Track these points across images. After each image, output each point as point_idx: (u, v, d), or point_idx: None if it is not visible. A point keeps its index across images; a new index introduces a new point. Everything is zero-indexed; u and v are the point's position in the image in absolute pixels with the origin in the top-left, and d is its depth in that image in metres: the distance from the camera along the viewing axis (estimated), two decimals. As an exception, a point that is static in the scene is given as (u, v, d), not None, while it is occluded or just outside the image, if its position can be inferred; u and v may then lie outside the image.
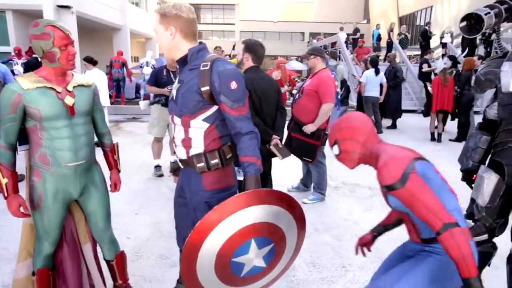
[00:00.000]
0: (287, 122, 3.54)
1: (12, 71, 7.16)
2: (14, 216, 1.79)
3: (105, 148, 2.10)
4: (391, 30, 13.14)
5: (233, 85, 1.54)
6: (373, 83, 7.53)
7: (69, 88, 1.77)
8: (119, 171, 2.15)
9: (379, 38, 14.35)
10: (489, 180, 2.03)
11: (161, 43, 1.65)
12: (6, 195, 1.74)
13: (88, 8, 14.65)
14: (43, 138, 1.72)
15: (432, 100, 7.02)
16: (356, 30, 14.17)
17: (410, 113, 10.57)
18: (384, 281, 1.49)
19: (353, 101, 9.57)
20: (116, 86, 11.18)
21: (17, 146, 1.80)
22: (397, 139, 7.43)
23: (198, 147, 1.64)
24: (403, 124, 8.79)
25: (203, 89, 1.55)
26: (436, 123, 7.17)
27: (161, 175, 4.71)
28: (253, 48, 2.87)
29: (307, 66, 3.95)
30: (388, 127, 8.39)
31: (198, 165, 1.64)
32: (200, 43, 1.69)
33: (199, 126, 1.62)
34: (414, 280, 1.41)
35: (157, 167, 4.78)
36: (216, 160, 1.64)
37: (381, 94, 7.69)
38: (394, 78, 8.04)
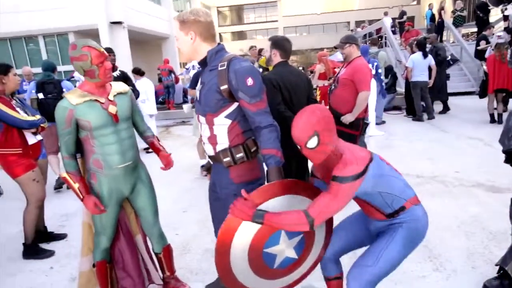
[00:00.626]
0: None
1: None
2: (92, 213, 2.01)
3: (149, 139, 2.28)
4: (442, 8, 12.29)
5: (250, 81, 1.61)
6: (420, 67, 7.14)
7: (111, 97, 1.97)
8: (169, 154, 2.31)
9: (433, 18, 13.46)
10: None
11: (182, 48, 1.76)
12: (81, 197, 1.96)
13: (137, 21, 15.64)
14: (95, 145, 1.94)
15: (489, 79, 6.48)
16: (403, 13, 13.45)
17: (468, 95, 9.86)
18: (364, 262, 1.61)
19: (401, 87, 9.14)
20: (167, 93, 11.80)
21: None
22: (452, 123, 6.99)
23: (223, 143, 1.74)
24: (458, 107, 8.23)
25: (222, 87, 1.64)
26: (495, 104, 6.62)
27: (207, 174, 4.93)
28: (280, 43, 2.91)
29: (343, 55, 3.89)
30: (440, 112, 7.90)
31: (225, 159, 1.74)
32: (218, 44, 1.77)
33: (222, 123, 1.71)
34: (392, 253, 1.58)
35: (203, 166, 5.00)
36: (241, 154, 1.73)
37: (430, 78, 7.26)
38: (436, 58, 7.52)
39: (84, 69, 1.87)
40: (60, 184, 4.71)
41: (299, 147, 1.51)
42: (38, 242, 3.08)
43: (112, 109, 1.94)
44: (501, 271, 2.15)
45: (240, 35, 38.92)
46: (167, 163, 2.28)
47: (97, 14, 14.21)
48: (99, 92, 1.95)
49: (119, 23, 14.54)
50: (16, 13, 14.06)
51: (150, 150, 6.00)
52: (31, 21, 14.26)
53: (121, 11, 14.53)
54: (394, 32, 13.13)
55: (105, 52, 1.91)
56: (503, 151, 2.09)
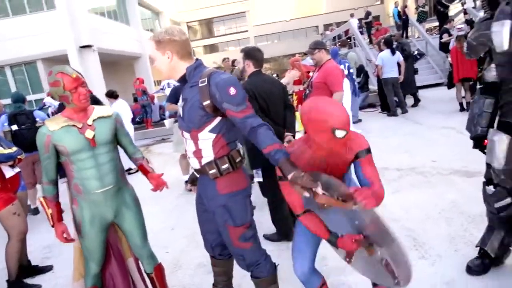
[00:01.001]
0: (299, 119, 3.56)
1: (49, 115, 7.77)
2: (61, 241, 2.03)
3: (138, 161, 2.26)
4: (405, 6, 12.81)
5: (232, 91, 1.63)
6: (389, 64, 7.40)
7: (89, 122, 1.98)
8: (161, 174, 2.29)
9: (399, 15, 13.94)
10: (500, 142, 2.04)
11: (161, 68, 1.78)
12: (52, 223, 1.98)
13: (107, 43, 15.52)
14: (73, 170, 1.95)
15: (453, 69, 6.78)
16: (368, 14, 13.91)
17: (437, 86, 10.23)
18: None
19: (374, 85, 9.42)
20: (144, 112, 11.73)
21: (58, 179, 2.04)
22: (424, 115, 7.24)
23: (208, 156, 1.77)
24: (429, 99, 8.53)
25: (204, 103, 1.67)
26: (463, 92, 6.91)
27: (191, 189, 4.92)
28: (252, 54, 2.99)
29: (313, 61, 4.01)
30: (412, 106, 8.18)
31: (211, 172, 1.76)
32: (197, 60, 1.82)
33: (206, 138, 1.74)
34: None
35: (187, 182, 5.00)
36: (227, 165, 1.76)
37: (399, 73, 7.53)
38: (402, 53, 7.82)
39: (59, 95, 1.90)
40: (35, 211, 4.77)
41: (342, 132, 1.49)
42: (22, 278, 3.00)
43: (89, 133, 1.94)
44: (481, 251, 2.26)
45: (212, 48, 39.13)
46: (157, 184, 2.25)
47: (65, 40, 14.04)
48: (78, 117, 1.97)
49: (89, 46, 14.41)
50: (-20, 45, 13.71)
51: (132, 171, 5.99)
52: (-3, 52, 13.92)
53: (89, 35, 14.41)
54: (361, 32, 13.53)
55: (80, 78, 1.92)
56: (471, 138, 2.21)
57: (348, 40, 12.02)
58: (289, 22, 37.59)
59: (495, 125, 2.11)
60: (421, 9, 12.72)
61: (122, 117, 6.42)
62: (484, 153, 2.17)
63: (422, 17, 12.63)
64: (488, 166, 2.15)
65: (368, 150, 1.66)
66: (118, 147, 2.18)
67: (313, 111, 1.54)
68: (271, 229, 3.19)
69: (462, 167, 4.09)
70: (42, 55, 14.56)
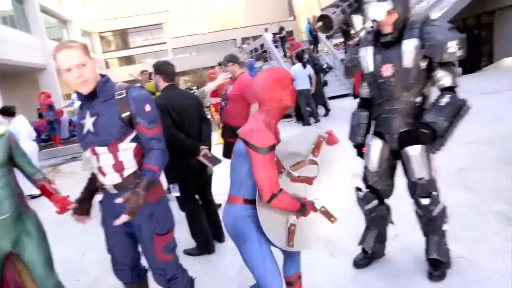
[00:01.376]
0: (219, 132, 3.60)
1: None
2: None
3: (39, 183, 2.05)
4: (309, 23, 13.82)
5: (148, 107, 1.72)
6: (301, 77, 7.90)
7: None
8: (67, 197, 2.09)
9: (311, 31, 14.93)
10: (375, 146, 2.37)
11: (89, 76, 1.70)
12: None
13: (6, 53, 13.79)
14: None
15: (355, 83, 7.53)
16: (281, 29, 14.70)
17: (345, 97, 11.19)
18: None
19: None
20: (51, 128, 10.70)
21: None
22: (335, 124, 7.84)
23: (131, 166, 1.75)
24: (338, 109, 9.28)
25: (124, 115, 1.69)
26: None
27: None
28: (161, 68, 2.97)
29: (227, 73, 4.09)
30: (324, 115, 8.82)
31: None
32: (104, 75, 1.78)
33: (128, 147, 1.74)
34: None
35: (101, 202, 4.67)
36: None
37: (311, 85, 8.08)
38: (313, 67, 8.44)
39: None
40: None
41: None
42: None
43: None
44: (363, 248, 2.56)
45: (127, 60, 37.44)
46: (62, 207, 2.06)
47: None
48: None
49: (-20, 56, 12.71)
50: None
51: (36, 195, 5.37)
52: None
53: (-20, 43, 12.71)
54: (276, 46, 14.23)
55: None
56: (353, 146, 2.49)
57: (264, 54, 12.55)
58: (207, 35, 37.86)
59: (371, 133, 2.43)
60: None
61: (22, 136, 5.67)
62: (363, 158, 2.46)
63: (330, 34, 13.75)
64: (365, 168, 2.45)
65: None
66: (15, 169, 1.97)
67: (270, 76, 1.68)
68: (190, 244, 3.14)
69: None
70: None
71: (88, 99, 1.74)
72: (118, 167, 1.74)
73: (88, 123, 1.72)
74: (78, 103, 1.83)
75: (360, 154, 2.49)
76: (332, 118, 8.63)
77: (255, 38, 20.39)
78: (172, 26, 39.52)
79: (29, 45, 16.09)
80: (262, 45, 14.30)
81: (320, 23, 2.40)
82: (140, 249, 1.93)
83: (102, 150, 1.73)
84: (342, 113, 8.85)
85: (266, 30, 14.29)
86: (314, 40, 13.95)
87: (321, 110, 8.88)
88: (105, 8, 37.89)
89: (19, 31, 16.01)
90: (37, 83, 17.49)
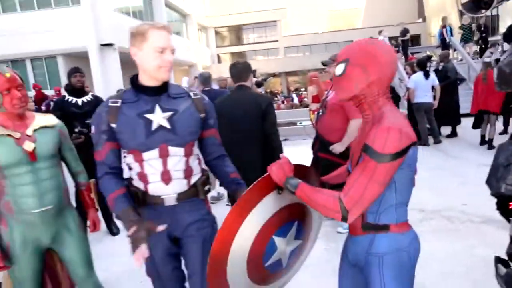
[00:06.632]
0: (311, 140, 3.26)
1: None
2: None
3: (80, 187, 2.10)
4: (443, 26, 12.30)
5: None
6: (423, 88, 6.95)
7: (29, 132, 1.77)
8: (97, 210, 2.15)
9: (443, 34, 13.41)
10: None
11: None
12: None
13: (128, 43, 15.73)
14: (6, 185, 1.74)
15: (473, 99, 6.39)
16: (405, 31, 13.44)
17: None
18: None
19: (404, 109, 8.95)
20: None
21: None
22: (460, 147, 6.74)
23: (197, 173, 1.67)
24: (467, 130, 7.98)
25: (201, 115, 1.65)
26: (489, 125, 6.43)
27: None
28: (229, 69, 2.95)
29: (329, 74, 3.71)
30: (447, 136, 7.66)
31: (205, 188, 1.68)
32: None
33: (196, 152, 1.69)
34: None
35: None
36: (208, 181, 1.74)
37: (434, 99, 7.08)
38: (445, 79, 7.35)
39: None
40: None
41: None
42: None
43: (28, 145, 1.73)
44: None
45: (239, 56, 39.36)
46: (93, 226, 2.10)
47: (86, 36, 14.36)
48: (14, 126, 1.76)
49: (110, 45, 14.67)
50: (2, 36, 14.20)
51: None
52: (18, 45, 14.40)
53: (111, 33, 14.68)
54: (397, 51, 13.07)
55: (17, 79, 1.72)
56: (492, 195, 1.82)
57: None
58: (322, 34, 37.44)
59: None
60: (468, 26, 12.12)
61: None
62: (508, 220, 1.78)
63: (467, 38, 12.02)
64: None
65: (372, 153, 1.31)
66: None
67: (377, 49, 1.31)
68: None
69: (498, 215, 3.62)
70: (62, 50, 14.96)
71: (154, 92, 1.57)
72: (188, 172, 1.62)
73: (159, 118, 1.55)
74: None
75: (503, 209, 1.84)
76: (457, 140, 7.44)
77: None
78: (287, 24, 40.22)
79: (151, 37, 18.06)
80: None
81: None
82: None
83: (176, 151, 1.57)
84: (470, 135, 7.58)
85: (380, 32, 13.24)
86: (443, 46, 12.40)
87: (445, 129, 7.74)
88: (223, 3, 40.46)
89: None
90: (154, 73, 19.56)
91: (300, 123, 8.98)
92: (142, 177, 1.56)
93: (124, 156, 1.59)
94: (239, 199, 1.28)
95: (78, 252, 1.93)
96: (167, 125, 1.55)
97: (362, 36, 35.01)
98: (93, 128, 1.57)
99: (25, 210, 1.74)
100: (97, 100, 3.88)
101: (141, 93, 1.57)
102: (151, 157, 1.54)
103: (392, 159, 1.17)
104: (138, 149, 1.54)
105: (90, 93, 3.90)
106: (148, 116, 1.54)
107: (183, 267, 1.75)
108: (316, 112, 4.01)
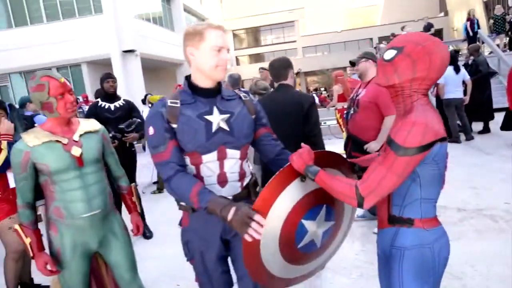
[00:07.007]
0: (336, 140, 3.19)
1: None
2: (44, 275, 1.81)
3: (122, 191, 2.13)
4: (469, 19, 11.92)
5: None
6: (453, 83, 6.74)
7: (75, 138, 1.80)
8: (139, 214, 2.16)
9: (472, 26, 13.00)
10: None
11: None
12: (32, 254, 1.79)
13: (150, 49, 16.05)
14: (55, 191, 1.76)
15: (507, 94, 6.05)
16: (429, 26, 13.10)
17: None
18: None
19: (433, 104, 8.73)
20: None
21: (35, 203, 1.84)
22: (494, 143, 6.50)
23: (248, 175, 1.67)
24: (499, 125, 7.69)
25: (253, 117, 1.64)
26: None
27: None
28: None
29: (357, 72, 3.63)
30: (479, 132, 7.40)
31: (257, 189, 1.67)
32: None
33: (248, 156, 1.67)
34: None
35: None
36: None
37: (465, 94, 6.85)
38: (476, 73, 7.10)
39: (41, 102, 1.71)
40: None
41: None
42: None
43: (75, 151, 1.76)
44: None
45: (257, 58, 39.45)
46: (136, 229, 2.12)
47: (109, 44, 14.68)
48: (62, 131, 1.79)
49: (132, 51, 14.94)
50: (29, 47, 14.70)
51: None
52: (44, 54, 14.86)
53: (133, 39, 14.96)
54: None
55: (68, 84, 1.76)
56: None
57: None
58: (340, 33, 37.06)
59: None
60: (501, 16, 11.67)
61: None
62: None
63: (498, 28, 11.57)
64: None
65: (394, 145, 1.33)
66: None
67: (434, 49, 1.26)
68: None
69: None
70: (86, 58, 15.34)
71: (210, 93, 1.56)
72: (242, 175, 1.62)
73: (218, 120, 1.53)
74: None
75: None
76: (492, 137, 7.17)
77: (395, 37, 18.82)
78: (304, 24, 40.01)
79: (172, 42, 18.32)
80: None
81: None
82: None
83: (234, 153, 1.57)
84: (507, 132, 7.29)
85: (402, 28, 12.96)
86: (470, 39, 12.02)
87: (477, 125, 7.48)
88: (240, 6, 40.65)
89: (165, 29, 18.37)
90: (175, 77, 19.83)
91: (325, 122, 8.87)
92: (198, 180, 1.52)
93: None
94: (265, 187, 1.32)
95: (124, 256, 1.94)
96: (225, 127, 1.54)
97: (381, 33, 34.44)
98: (151, 129, 1.49)
99: (75, 215, 1.76)
100: (128, 105, 3.94)
101: (197, 94, 1.55)
102: (210, 159, 1.53)
103: (413, 153, 1.18)
104: (198, 151, 1.51)
105: (122, 98, 3.95)
106: (208, 117, 1.52)
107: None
108: (345, 112, 3.94)
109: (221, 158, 1.54)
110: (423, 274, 1.32)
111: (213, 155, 1.52)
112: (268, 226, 1.32)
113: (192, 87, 1.55)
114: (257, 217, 1.25)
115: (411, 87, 1.29)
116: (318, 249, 1.53)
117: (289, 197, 1.38)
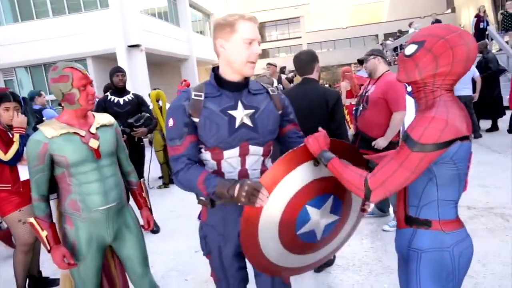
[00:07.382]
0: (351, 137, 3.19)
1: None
2: (60, 268, 1.80)
3: (132, 186, 2.12)
4: (477, 16, 11.80)
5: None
6: (462, 80, 6.60)
7: (92, 130, 1.80)
8: (149, 209, 2.16)
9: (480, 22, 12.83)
10: None
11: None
12: (48, 247, 1.77)
13: (155, 44, 16.01)
14: (72, 184, 1.76)
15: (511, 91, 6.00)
16: (437, 22, 13.01)
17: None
18: None
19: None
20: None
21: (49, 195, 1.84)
22: (503, 142, 6.44)
23: None
24: (507, 123, 7.64)
25: (279, 112, 1.60)
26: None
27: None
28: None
29: (366, 70, 3.61)
30: (487, 130, 7.35)
31: None
32: None
33: (271, 153, 1.64)
34: None
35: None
36: None
37: (474, 91, 6.79)
38: (485, 70, 7.03)
39: (63, 93, 1.71)
40: None
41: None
42: (32, 288, 2.88)
43: (93, 143, 1.76)
44: None
45: (262, 53, 39.17)
46: (148, 224, 2.10)
47: (115, 38, 14.66)
48: (79, 123, 1.79)
49: (137, 46, 14.91)
50: (34, 41, 14.72)
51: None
52: (50, 49, 14.87)
53: (138, 34, 14.92)
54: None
55: (89, 76, 1.76)
56: None
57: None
58: (346, 29, 36.84)
59: None
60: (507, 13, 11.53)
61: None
62: None
63: (508, 24, 11.42)
64: None
65: (409, 140, 1.30)
66: None
67: (458, 41, 1.20)
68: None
69: None
70: (92, 53, 15.31)
71: (237, 87, 1.51)
72: (264, 172, 1.55)
73: (241, 115, 1.49)
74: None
75: None
76: (501, 135, 7.11)
77: (402, 33, 18.66)
78: (310, 20, 39.80)
79: (177, 37, 18.28)
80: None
81: None
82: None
83: (256, 150, 1.53)
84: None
85: (410, 24, 12.87)
86: (478, 36, 11.90)
87: (484, 123, 7.42)
88: (246, 1, 40.46)
89: (170, 24, 18.32)
90: (179, 72, 19.80)
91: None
92: (218, 175, 1.48)
93: (200, 152, 1.53)
94: (275, 163, 1.31)
95: (136, 250, 1.94)
96: (249, 123, 1.50)
97: (387, 30, 34.28)
98: (171, 121, 1.47)
99: (91, 208, 1.76)
100: (137, 99, 3.93)
101: (223, 87, 1.51)
102: (231, 155, 1.50)
103: (429, 149, 1.14)
104: (220, 146, 1.48)
105: (131, 92, 3.95)
106: (232, 112, 1.48)
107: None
108: (354, 108, 3.91)
109: (243, 154, 1.51)
110: (441, 278, 1.28)
111: (235, 151, 1.49)
112: (271, 202, 1.32)
113: (218, 80, 1.51)
114: (263, 189, 1.28)
115: (434, 82, 1.24)
116: (317, 242, 1.51)
117: (298, 178, 1.37)
